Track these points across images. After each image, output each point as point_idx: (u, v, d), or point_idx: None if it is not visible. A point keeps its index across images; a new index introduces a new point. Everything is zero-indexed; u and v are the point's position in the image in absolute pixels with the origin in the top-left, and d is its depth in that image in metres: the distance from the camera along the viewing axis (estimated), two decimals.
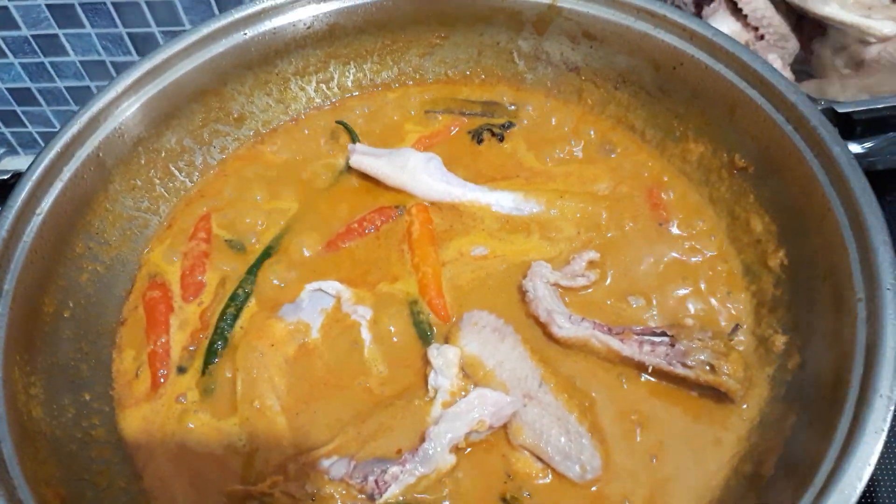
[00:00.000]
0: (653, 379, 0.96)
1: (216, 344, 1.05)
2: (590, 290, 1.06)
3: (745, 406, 0.93)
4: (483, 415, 0.88)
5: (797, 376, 0.91)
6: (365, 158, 1.21)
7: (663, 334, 0.96)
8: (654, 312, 1.04)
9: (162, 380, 1.03)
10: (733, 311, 1.04)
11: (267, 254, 1.15)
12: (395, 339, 1.03)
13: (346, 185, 1.25)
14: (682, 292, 1.06)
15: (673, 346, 0.94)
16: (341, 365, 1.02)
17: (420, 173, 1.18)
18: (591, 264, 1.07)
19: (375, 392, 0.98)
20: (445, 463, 0.86)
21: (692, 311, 1.04)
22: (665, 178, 1.19)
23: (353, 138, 1.28)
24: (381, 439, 0.91)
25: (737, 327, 1.01)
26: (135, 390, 1.04)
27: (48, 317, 1.01)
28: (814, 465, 0.75)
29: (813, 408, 0.84)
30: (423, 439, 0.88)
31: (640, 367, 0.95)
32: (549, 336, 0.99)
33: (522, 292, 1.04)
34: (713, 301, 1.05)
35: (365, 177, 1.23)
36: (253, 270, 1.12)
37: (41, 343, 0.98)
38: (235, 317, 1.07)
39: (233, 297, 1.09)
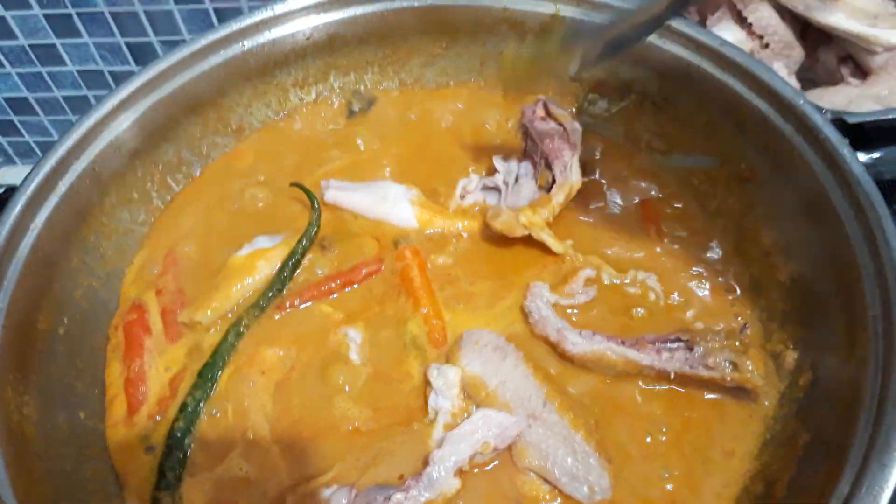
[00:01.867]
0: (666, 388, 0.94)
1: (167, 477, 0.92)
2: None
3: (765, 402, 0.92)
4: (487, 436, 0.85)
5: (809, 394, 0.88)
6: (340, 193, 1.17)
7: (678, 340, 0.94)
8: (660, 322, 1.01)
9: (139, 405, 0.99)
10: (740, 320, 1.02)
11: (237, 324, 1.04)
12: (387, 360, 1.00)
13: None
14: (686, 304, 1.04)
15: (691, 349, 0.92)
16: (333, 390, 0.98)
17: (402, 203, 1.15)
18: (589, 281, 1.05)
19: (369, 417, 0.95)
20: (450, 487, 0.84)
21: (697, 320, 1.02)
22: (670, 189, 1.17)
23: (312, 201, 1.15)
24: (382, 465, 0.88)
25: (745, 326, 1.00)
26: (114, 413, 1.00)
27: (42, 333, 0.98)
28: (828, 487, 0.73)
29: (827, 427, 0.82)
30: (425, 463, 0.85)
31: (662, 375, 0.93)
32: (562, 355, 0.96)
33: (525, 313, 1.01)
34: (719, 313, 1.03)
35: None
36: (207, 375, 1.00)
37: (35, 361, 0.96)
38: (187, 431, 0.96)
39: (182, 408, 0.97)
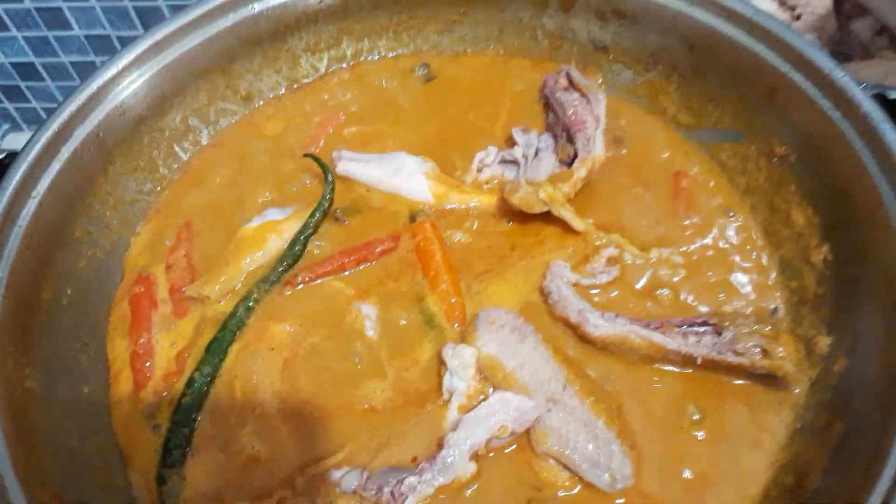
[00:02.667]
0: (691, 372, 0.90)
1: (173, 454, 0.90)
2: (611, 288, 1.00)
3: (796, 390, 0.88)
4: (505, 420, 0.82)
5: (843, 381, 0.84)
6: (353, 164, 1.13)
7: (705, 323, 0.90)
8: (687, 302, 0.97)
9: (145, 381, 0.97)
10: (771, 304, 0.98)
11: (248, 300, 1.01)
12: (402, 338, 0.97)
13: None
14: (714, 286, 1.00)
15: (719, 334, 0.88)
16: (345, 368, 0.95)
17: (417, 176, 1.10)
18: (611, 260, 1.01)
19: (382, 397, 0.92)
20: (466, 471, 0.81)
21: (726, 303, 0.98)
22: (697, 167, 1.12)
23: (326, 174, 1.11)
24: (395, 447, 0.85)
25: (776, 310, 0.96)
26: (119, 388, 0.97)
27: (45, 305, 0.95)
28: (867, 482, 0.69)
29: (863, 417, 0.78)
30: (440, 446, 0.82)
31: (688, 360, 0.89)
32: (582, 337, 0.92)
33: (545, 294, 0.97)
34: (748, 295, 0.99)
35: None
36: (215, 350, 0.97)
37: (37, 333, 0.93)
38: (194, 408, 0.93)
39: (189, 384, 0.94)
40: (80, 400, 0.94)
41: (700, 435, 0.87)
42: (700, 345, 0.88)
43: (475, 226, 1.08)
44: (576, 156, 1.05)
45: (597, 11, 1.19)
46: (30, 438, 0.84)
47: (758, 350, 0.86)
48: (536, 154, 1.10)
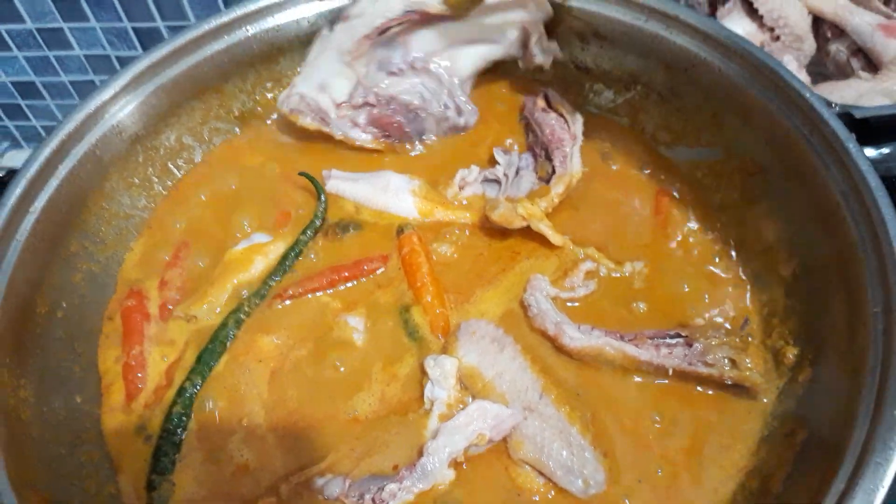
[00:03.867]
0: (664, 382, 0.93)
1: (163, 461, 0.92)
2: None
3: (764, 399, 0.91)
4: (483, 428, 0.85)
5: (808, 390, 0.87)
6: (342, 183, 1.17)
7: (677, 335, 0.93)
8: (661, 314, 1.01)
9: (137, 392, 1.00)
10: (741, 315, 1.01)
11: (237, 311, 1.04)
12: (387, 350, 1.00)
13: None
14: (687, 299, 1.03)
15: (690, 345, 0.91)
16: (330, 379, 0.98)
17: (404, 193, 1.14)
18: (589, 274, 1.04)
19: (366, 407, 0.94)
20: (444, 478, 0.84)
21: (698, 316, 1.01)
22: (675, 184, 1.16)
23: (319, 193, 1.15)
24: (377, 455, 0.88)
25: (746, 321, 0.99)
26: (111, 399, 1.00)
27: (40, 318, 0.99)
28: (824, 486, 0.72)
29: (825, 424, 0.81)
30: (420, 454, 0.85)
31: (660, 371, 0.92)
32: (560, 349, 0.95)
33: (524, 307, 1.00)
34: (720, 307, 1.02)
35: None
36: (206, 360, 1.00)
37: (32, 344, 0.96)
38: (184, 416, 0.96)
39: (180, 393, 0.97)
40: (72, 410, 0.97)
41: (671, 442, 0.89)
42: (671, 356, 0.91)
43: (460, 240, 1.11)
44: (554, 173, 1.09)
45: (578, 33, 1.23)
46: (22, 445, 0.87)
47: (727, 361, 0.89)
48: (517, 173, 1.14)
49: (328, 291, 1.07)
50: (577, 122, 1.12)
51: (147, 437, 0.96)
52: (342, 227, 1.14)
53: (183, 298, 1.07)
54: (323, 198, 1.14)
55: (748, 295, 1.02)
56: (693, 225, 1.11)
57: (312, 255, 1.11)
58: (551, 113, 1.14)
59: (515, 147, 1.21)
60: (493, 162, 1.18)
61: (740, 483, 0.86)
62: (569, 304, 1.02)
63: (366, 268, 1.08)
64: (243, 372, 0.99)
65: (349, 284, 1.07)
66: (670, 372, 0.91)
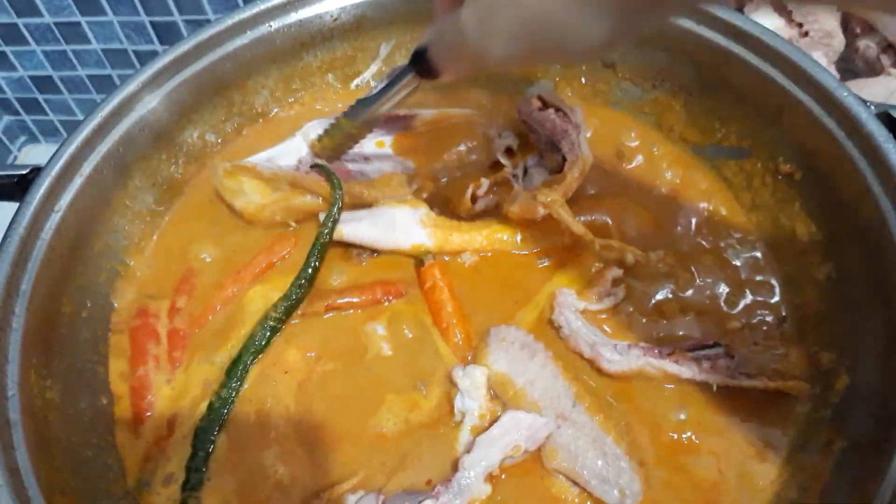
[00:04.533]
0: (695, 387, 0.91)
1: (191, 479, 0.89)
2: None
3: (798, 407, 0.89)
4: (518, 439, 0.83)
5: (846, 398, 0.86)
6: (344, 227, 1.07)
7: (716, 345, 0.91)
8: (693, 317, 0.99)
9: (143, 417, 0.97)
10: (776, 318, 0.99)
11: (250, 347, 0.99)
12: (414, 363, 0.97)
13: None
14: (720, 300, 1.01)
15: (731, 356, 0.89)
16: (357, 393, 0.95)
17: (413, 226, 1.06)
18: (616, 281, 1.01)
19: (395, 421, 0.92)
20: (481, 493, 0.81)
21: (734, 319, 0.99)
22: (704, 185, 1.14)
23: (332, 180, 1.09)
24: (409, 470, 0.86)
25: (784, 320, 0.97)
26: (121, 413, 0.98)
27: (65, 318, 0.98)
28: (866, 495, 0.71)
29: (863, 434, 0.80)
30: (455, 468, 0.83)
31: (704, 386, 0.90)
32: (599, 371, 0.93)
33: (556, 327, 0.97)
34: (756, 310, 1.00)
35: None
36: (233, 373, 0.97)
37: (58, 345, 0.95)
38: (212, 431, 0.93)
39: (209, 407, 0.95)
40: (98, 411, 0.96)
41: (707, 451, 0.88)
42: (714, 371, 0.89)
43: (479, 264, 1.07)
44: (564, 161, 1.07)
45: None
46: (50, 449, 0.87)
47: (769, 371, 0.87)
48: (526, 171, 1.12)
49: (355, 310, 1.03)
50: (577, 113, 1.09)
51: (167, 476, 0.92)
52: (364, 251, 1.10)
53: (194, 326, 1.04)
54: (336, 181, 1.09)
55: (782, 298, 1.00)
56: (721, 226, 1.09)
57: (335, 278, 1.07)
58: (549, 110, 1.12)
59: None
60: (497, 167, 1.15)
61: (776, 493, 0.84)
62: (599, 315, 1.00)
63: (390, 292, 1.05)
64: (269, 384, 0.97)
65: (376, 303, 1.04)
66: (714, 388, 0.89)
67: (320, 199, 1.12)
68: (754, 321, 0.98)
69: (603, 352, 0.92)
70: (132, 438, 0.95)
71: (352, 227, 1.07)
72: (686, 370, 0.89)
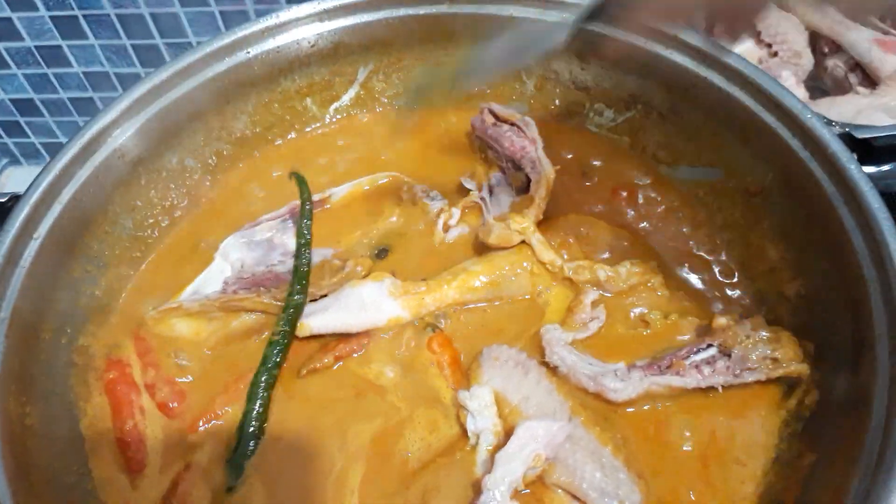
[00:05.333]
0: (687, 396, 0.92)
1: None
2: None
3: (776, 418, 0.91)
4: (537, 448, 0.82)
5: (816, 413, 0.88)
6: (311, 320, 1.01)
7: (710, 346, 0.92)
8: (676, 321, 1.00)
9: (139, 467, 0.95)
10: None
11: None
12: (421, 394, 0.96)
13: None
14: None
15: (729, 355, 0.91)
16: (370, 433, 0.94)
17: (383, 301, 1.01)
18: (595, 303, 1.02)
19: (412, 452, 0.91)
20: None
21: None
22: (676, 202, 1.16)
23: (300, 187, 1.12)
24: (432, 502, 0.85)
25: (763, 307, 1.00)
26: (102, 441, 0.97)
27: (45, 344, 0.98)
28: None
29: (833, 448, 0.82)
30: (478, 491, 0.81)
31: (710, 390, 0.91)
32: (607, 403, 0.92)
33: (551, 367, 0.95)
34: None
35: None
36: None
37: (37, 371, 0.95)
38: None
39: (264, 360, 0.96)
40: (78, 437, 0.97)
41: (699, 461, 0.89)
42: (716, 373, 0.90)
43: (458, 318, 1.04)
44: (528, 180, 1.09)
45: (578, 53, 1.24)
46: (29, 475, 0.87)
47: (769, 360, 0.89)
48: (492, 193, 1.14)
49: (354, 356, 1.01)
50: (531, 126, 1.11)
51: None
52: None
53: (177, 401, 1.00)
54: (305, 184, 1.15)
55: (752, 314, 1.02)
56: (693, 245, 1.11)
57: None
58: (503, 125, 1.14)
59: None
60: (462, 193, 1.17)
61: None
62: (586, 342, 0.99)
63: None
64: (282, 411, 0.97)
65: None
66: (720, 390, 0.90)
67: (261, 313, 1.06)
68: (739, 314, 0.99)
69: (606, 383, 0.91)
70: (112, 466, 0.95)
71: (320, 319, 1.01)
72: (690, 380, 0.90)
